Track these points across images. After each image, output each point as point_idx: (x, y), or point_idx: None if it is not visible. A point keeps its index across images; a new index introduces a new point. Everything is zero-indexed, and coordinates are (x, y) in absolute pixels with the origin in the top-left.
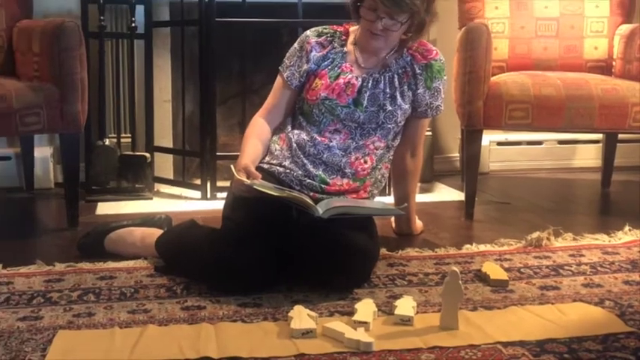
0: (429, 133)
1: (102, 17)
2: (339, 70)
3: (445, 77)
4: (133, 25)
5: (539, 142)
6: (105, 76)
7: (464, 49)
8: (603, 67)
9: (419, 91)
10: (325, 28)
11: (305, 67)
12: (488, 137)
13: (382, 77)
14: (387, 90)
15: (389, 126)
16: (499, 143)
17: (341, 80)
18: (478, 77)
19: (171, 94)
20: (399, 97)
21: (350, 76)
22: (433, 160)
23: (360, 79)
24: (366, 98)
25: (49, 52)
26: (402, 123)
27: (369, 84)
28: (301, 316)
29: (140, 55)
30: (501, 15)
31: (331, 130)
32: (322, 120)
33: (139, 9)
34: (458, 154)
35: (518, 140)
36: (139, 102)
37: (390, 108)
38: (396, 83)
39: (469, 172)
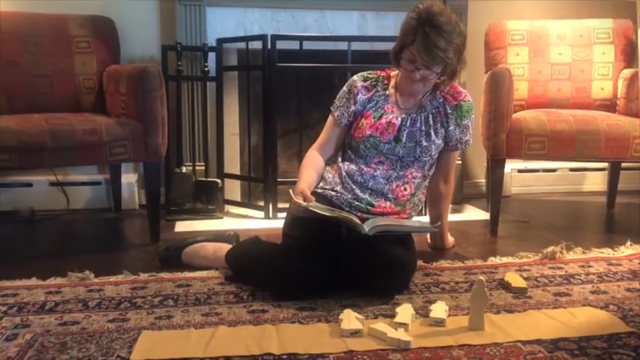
0: (459, 162)
1: (179, 63)
2: (382, 111)
3: (473, 115)
4: (206, 69)
5: (554, 170)
6: (182, 114)
7: (489, 91)
8: (609, 106)
9: (450, 128)
10: (370, 74)
11: (352, 108)
12: (510, 165)
13: (419, 117)
14: (423, 128)
15: (425, 159)
16: (519, 171)
17: (383, 120)
18: (502, 114)
19: (239, 128)
20: (433, 134)
21: (391, 116)
22: (463, 185)
23: (399, 119)
24: (405, 135)
25: (134, 93)
26: (436, 156)
27: (408, 123)
28: (350, 318)
29: (212, 96)
30: (521, 61)
31: (376, 162)
32: (368, 154)
33: (211, 55)
34: (484, 180)
35: (536, 168)
36: (211, 135)
37: (425, 143)
38: (431, 122)
39: (494, 195)
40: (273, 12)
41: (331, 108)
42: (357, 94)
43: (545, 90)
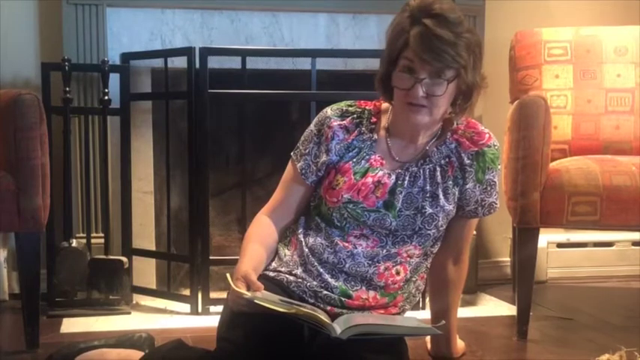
0: (473, 233)
1: (67, 88)
2: (367, 165)
3: (500, 167)
4: (106, 97)
5: (610, 244)
6: (71, 162)
7: (516, 129)
8: None
9: (467, 186)
10: (350, 106)
11: (324, 157)
12: (546, 237)
13: (421, 171)
14: (427, 187)
15: (428, 232)
16: (559, 245)
17: (369, 179)
18: (534, 163)
19: (154, 184)
20: (441, 195)
21: (381, 172)
22: (478, 265)
23: (393, 176)
24: (400, 200)
25: (1, 133)
26: (444, 227)
27: (405, 182)
28: None
29: (115, 136)
30: (563, 86)
31: (356, 235)
32: (345, 225)
33: (114, 78)
34: (508, 259)
35: (584, 241)
36: (113, 194)
37: (430, 210)
38: (438, 178)
39: (522, 280)
40: (204, 14)
41: (292, 155)
42: (332, 137)
43: (597, 128)
